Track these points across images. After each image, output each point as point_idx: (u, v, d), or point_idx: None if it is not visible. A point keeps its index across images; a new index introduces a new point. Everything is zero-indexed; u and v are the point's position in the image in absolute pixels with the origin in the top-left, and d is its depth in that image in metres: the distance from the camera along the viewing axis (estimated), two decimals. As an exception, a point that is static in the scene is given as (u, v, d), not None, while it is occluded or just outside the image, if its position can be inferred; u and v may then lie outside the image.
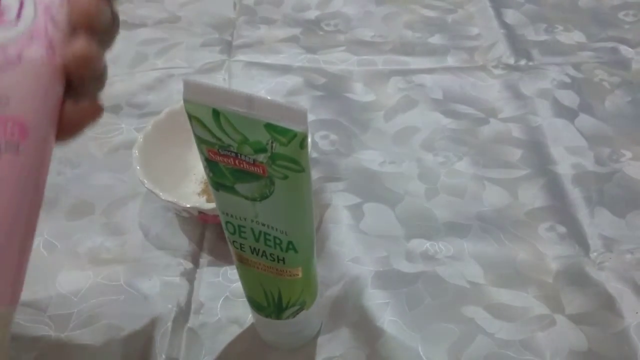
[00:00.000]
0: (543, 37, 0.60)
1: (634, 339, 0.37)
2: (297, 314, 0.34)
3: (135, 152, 0.42)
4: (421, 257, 0.42)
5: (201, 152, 0.27)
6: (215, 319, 0.39)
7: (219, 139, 0.26)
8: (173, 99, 0.54)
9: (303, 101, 0.54)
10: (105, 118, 0.52)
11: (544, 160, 0.48)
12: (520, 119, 0.52)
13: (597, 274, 0.40)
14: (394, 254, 0.42)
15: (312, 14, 0.64)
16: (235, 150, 0.26)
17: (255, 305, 0.34)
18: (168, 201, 0.40)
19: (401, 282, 0.40)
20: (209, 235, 0.44)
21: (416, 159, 0.49)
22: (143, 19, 0.64)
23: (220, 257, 0.42)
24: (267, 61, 0.58)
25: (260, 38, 0.61)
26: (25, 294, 0.40)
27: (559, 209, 0.45)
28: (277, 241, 0.29)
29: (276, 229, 0.29)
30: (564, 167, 0.48)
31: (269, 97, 0.24)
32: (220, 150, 0.26)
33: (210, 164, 0.27)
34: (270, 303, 0.33)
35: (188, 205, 0.39)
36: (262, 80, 0.56)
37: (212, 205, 0.39)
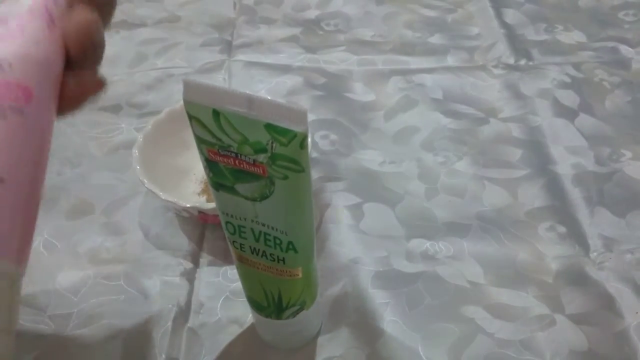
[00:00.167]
0: (543, 37, 0.60)
1: (634, 339, 0.37)
2: (297, 314, 0.34)
3: (135, 152, 0.42)
4: (421, 257, 0.42)
5: (201, 152, 0.27)
6: (215, 319, 0.39)
7: (219, 139, 0.26)
8: (173, 99, 0.54)
9: (303, 101, 0.54)
10: (105, 118, 0.52)
11: (544, 160, 0.48)
12: (520, 119, 0.52)
13: (597, 274, 0.40)
14: (394, 254, 0.42)
15: (312, 14, 0.64)
16: (235, 151, 0.26)
17: (255, 305, 0.34)
18: (168, 201, 0.40)
19: (401, 282, 0.40)
20: (209, 235, 0.44)
21: (416, 159, 0.49)
22: (143, 19, 0.64)
23: (220, 257, 0.42)
24: (267, 61, 0.58)
25: (260, 38, 0.61)
26: (26, 294, 0.40)
27: (559, 209, 0.45)
28: (277, 241, 0.29)
29: (276, 229, 0.29)
30: (564, 167, 0.48)
31: (269, 97, 0.24)
32: (220, 151, 0.26)
33: (210, 164, 0.27)
34: (270, 303, 0.33)
35: (188, 205, 0.39)
36: (262, 80, 0.56)
37: (212, 205, 0.39)
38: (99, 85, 0.25)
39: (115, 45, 0.60)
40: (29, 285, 0.39)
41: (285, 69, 0.57)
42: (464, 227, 0.44)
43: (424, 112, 0.53)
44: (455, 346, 0.37)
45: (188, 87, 0.25)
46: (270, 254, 0.30)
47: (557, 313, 0.38)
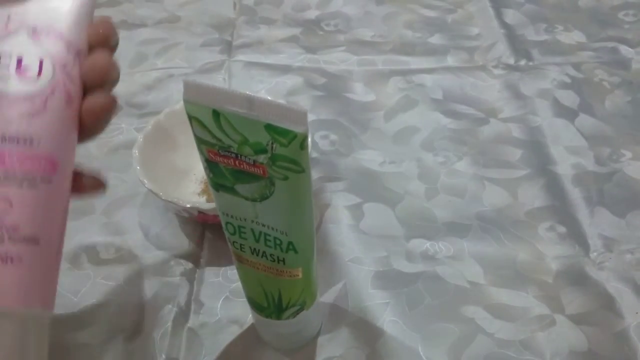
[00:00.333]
0: (543, 37, 0.60)
1: (634, 339, 0.37)
2: (297, 314, 0.34)
3: (135, 152, 0.42)
4: (421, 257, 0.42)
5: (201, 152, 0.27)
6: (215, 319, 0.39)
7: (219, 140, 0.26)
8: (173, 99, 0.54)
9: (303, 101, 0.54)
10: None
11: (544, 160, 0.48)
12: (520, 119, 0.52)
13: (597, 274, 0.40)
14: (394, 254, 0.42)
15: (312, 14, 0.64)
16: (235, 151, 0.26)
17: (255, 306, 0.35)
18: (168, 201, 0.40)
19: (401, 282, 0.40)
20: (209, 235, 0.44)
21: (416, 159, 0.49)
22: (143, 19, 0.64)
23: (220, 257, 0.42)
24: (267, 61, 0.58)
25: (260, 38, 0.61)
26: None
27: (559, 209, 0.45)
28: (277, 242, 0.29)
29: (276, 230, 0.29)
30: (564, 167, 0.48)
31: (269, 98, 0.24)
32: (220, 151, 0.26)
33: (211, 165, 0.27)
34: (270, 303, 0.33)
35: (188, 205, 0.39)
36: (262, 80, 0.56)
37: (212, 205, 0.39)
38: (113, 103, 0.27)
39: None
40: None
41: (285, 69, 0.57)
42: (464, 227, 0.44)
43: (424, 112, 0.53)
44: (455, 346, 0.37)
45: (188, 87, 0.25)
46: (271, 255, 0.30)
47: (557, 313, 0.38)
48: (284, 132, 0.24)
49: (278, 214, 0.28)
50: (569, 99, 0.53)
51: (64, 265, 0.42)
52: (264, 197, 0.27)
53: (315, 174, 0.47)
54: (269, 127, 0.24)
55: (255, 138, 0.25)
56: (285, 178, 0.26)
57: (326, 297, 0.40)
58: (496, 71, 0.57)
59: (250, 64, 0.58)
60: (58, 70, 0.26)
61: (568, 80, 0.55)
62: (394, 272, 0.41)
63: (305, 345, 0.37)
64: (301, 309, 0.34)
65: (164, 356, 0.37)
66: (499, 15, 0.63)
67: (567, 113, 0.52)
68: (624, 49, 0.58)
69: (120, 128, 0.52)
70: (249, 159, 0.26)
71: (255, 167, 0.26)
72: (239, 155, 0.26)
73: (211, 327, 0.39)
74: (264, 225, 0.29)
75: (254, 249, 0.30)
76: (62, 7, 0.26)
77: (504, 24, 0.62)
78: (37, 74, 0.25)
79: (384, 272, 0.41)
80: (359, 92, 0.55)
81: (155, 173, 0.42)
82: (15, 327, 0.24)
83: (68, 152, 0.26)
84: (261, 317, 0.35)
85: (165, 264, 0.42)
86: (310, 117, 0.51)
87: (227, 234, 0.31)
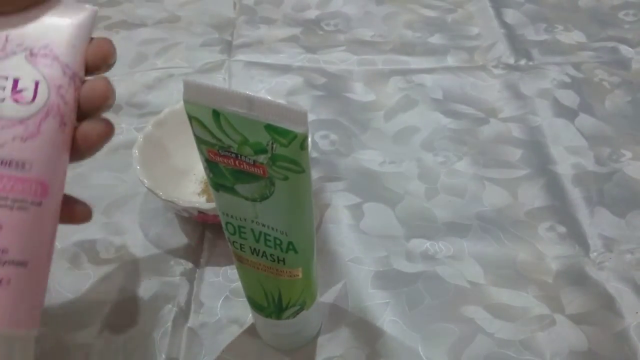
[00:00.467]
0: (543, 37, 0.60)
1: (634, 339, 0.37)
2: (297, 314, 0.34)
3: (135, 151, 0.42)
4: (421, 257, 0.42)
5: (201, 152, 0.27)
6: (215, 319, 0.39)
7: (219, 140, 0.26)
8: (173, 99, 0.54)
9: (303, 101, 0.54)
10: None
11: (544, 160, 0.48)
12: (520, 119, 0.52)
13: (597, 274, 0.40)
14: (394, 253, 0.42)
15: (312, 14, 0.64)
16: (235, 151, 0.26)
17: (255, 306, 0.35)
18: (168, 201, 0.40)
19: (401, 282, 0.40)
20: (209, 235, 0.44)
21: (416, 159, 0.49)
22: (143, 19, 0.64)
23: (220, 257, 0.42)
24: (267, 61, 0.58)
25: (260, 38, 0.61)
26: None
27: (559, 209, 0.45)
28: (277, 242, 0.29)
29: (276, 230, 0.29)
30: (564, 167, 0.48)
31: (269, 98, 0.24)
32: (220, 151, 0.26)
33: (211, 165, 0.27)
34: (270, 303, 0.33)
35: (188, 205, 0.39)
36: (262, 80, 0.56)
37: (212, 205, 0.39)
38: (110, 128, 0.28)
39: (116, 45, 0.60)
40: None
41: (285, 69, 0.57)
42: (464, 227, 0.44)
43: (424, 112, 0.53)
44: (455, 346, 0.37)
45: (188, 87, 0.25)
46: (271, 255, 0.30)
47: (557, 313, 0.38)
48: (284, 132, 0.24)
49: (278, 214, 0.28)
50: (569, 98, 0.53)
51: (64, 265, 0.42)
52: (264, 197, 0.27)
53: (315, 174, 0.47)
54: (269, 127, 0.24)
55: (255, 138, 0.25)
56: (285, 178, 0.26)
57: (326, 297, 0.40)
58: (496, 71, 0.57)
59: (250, 64, 0.58)
60: (53, 93, 0.26)
61: (568, 80, 0.55)
62: (394, 272, 0.41)
63: (305, 345, 0.37)
64: (301, 309, 0.34)
65: (163, 356, 0.37)
66: (499, 15, 0.63)
67: (567, 113, 0.52)
68: (624, 49, 0.58)
69: (120, 128, 0.52)
70: (249, 159, 0.26)
71: (255, 167, 0.26)
72: (239, 155, 0.26)
73: (211, 327, 0.39)
74: (264, 225, 0.29)
75: (254, 249, 0.30)
76: (60, 29, 0.26)
77: (504, 24, 0.62)
78: (32, 97, 0.25)
79: (384, 272, 0.41)
80: (359, 92, 0.55)
81: (155, 173, 0.42)
82: (1, 347, 0.24)
83: (59, 175, 0.27)
84: (261, 317, 0.35)
85: (165, 263, 0.42)
86: (310, 117, 0.51)
87: (227, 234, 0.31)
